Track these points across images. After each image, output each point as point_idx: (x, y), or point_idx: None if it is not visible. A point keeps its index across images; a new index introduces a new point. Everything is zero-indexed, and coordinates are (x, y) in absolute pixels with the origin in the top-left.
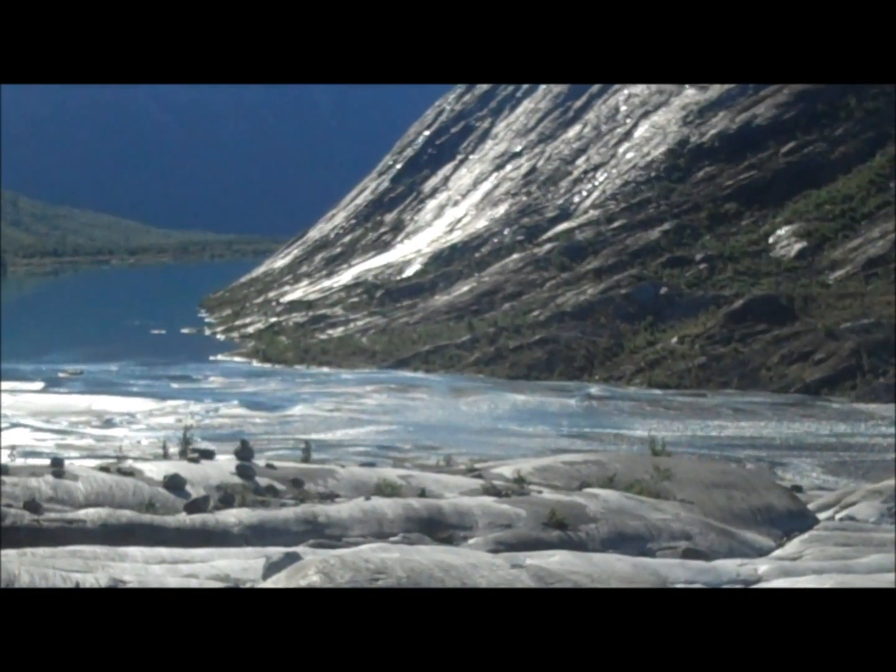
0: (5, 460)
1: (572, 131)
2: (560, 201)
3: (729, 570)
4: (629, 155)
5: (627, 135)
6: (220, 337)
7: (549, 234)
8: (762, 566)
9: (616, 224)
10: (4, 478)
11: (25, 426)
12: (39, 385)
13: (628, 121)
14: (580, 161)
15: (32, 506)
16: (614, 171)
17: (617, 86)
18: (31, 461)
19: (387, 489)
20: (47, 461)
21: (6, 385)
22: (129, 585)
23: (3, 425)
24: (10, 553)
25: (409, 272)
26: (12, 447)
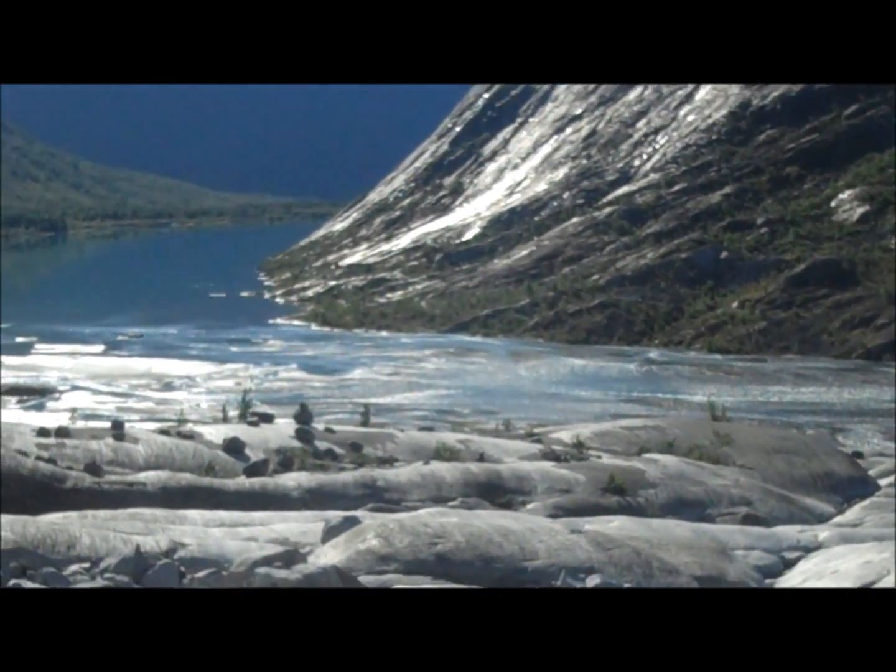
0: (66, 423)
1: (633, 94)
2: (620, 164)
3: (789, 536)
4: (690, 118)
5: (689, 97)
6: (280, 300)
7: (609, 197)
8: (822, 532)
9: (677, 188)
10: (66, 440)
11: (86, 389)
12: (100, 348)
13: (690, 83)
14: (641, 124)
15: (93, 468)
16: (675, 133)
17: None
18: (92, 424)
19: (446, 453)
20: (108, 424)
21: (67, 348)
22: (189, 548)
23: (64, 388)
24: (71, 515)
25: (468, 236)
26: (73, 410)
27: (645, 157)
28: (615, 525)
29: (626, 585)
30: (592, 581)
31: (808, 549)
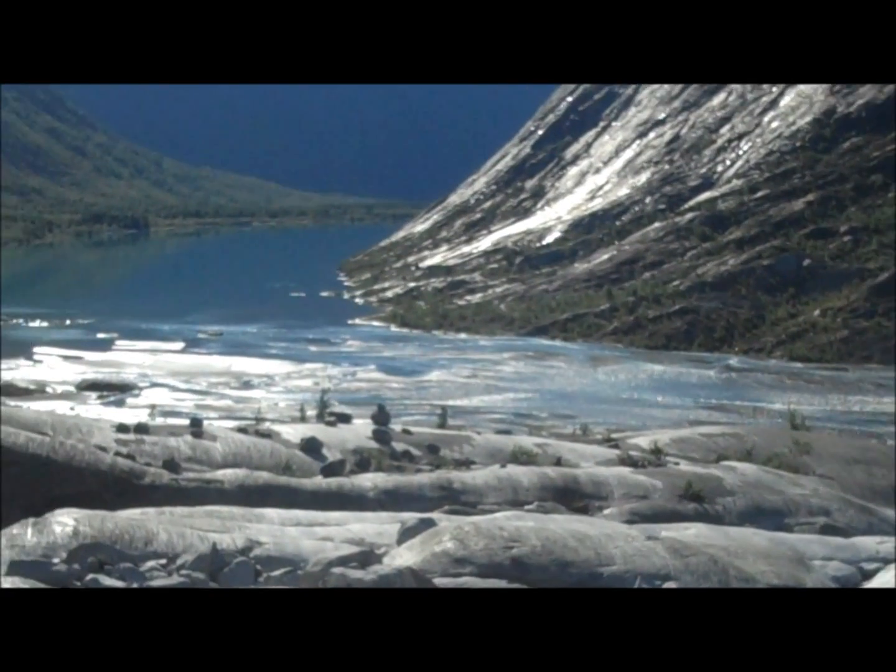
0: (145, 419)
1: (717, 99)
2: (703, 170)
3: (868, 547)
4: (774, 124)
5: (773, 104)
6: (359, 301)
7: (691, 203)
8: None
9: (759, 194)
10: (144, 437)
11: (165, 386)
12: (180, 345)
13: (774, 89)
14: (724, 130)
15: (171, 465)
16: (759, 140)
17: None
18: (171, 421)
19: (522, 457)
20: (186, 421)
21: (147, 345)
22: (265, 547)
23: (144, 385)
24: (148, 511)
25: (548, 239)
26: (152, 407)
27: (728, 162)
28: (692, 532)
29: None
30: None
31: (887, 560)
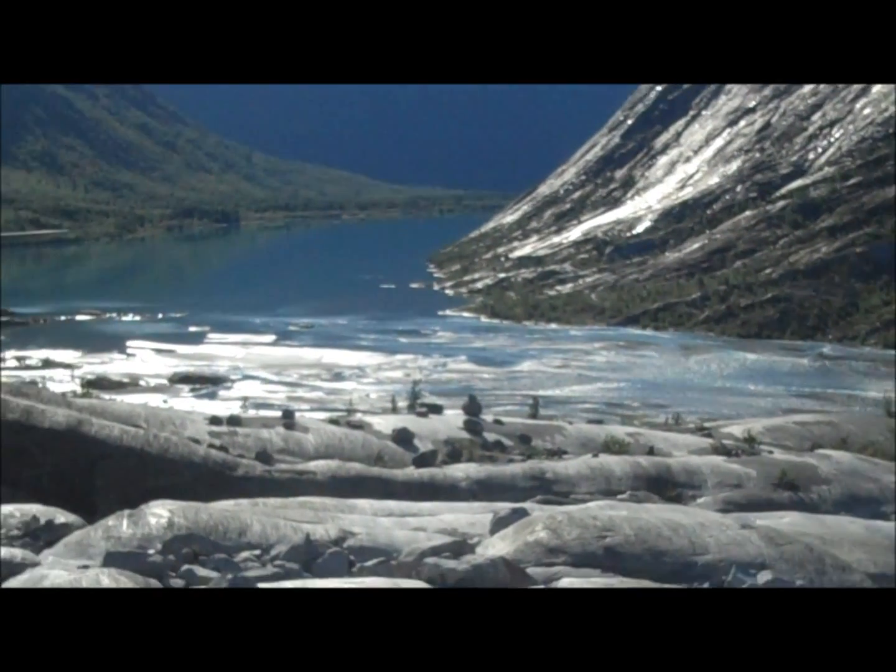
0: (238, 412)
1: (808, 86)
2: (794, 158)
3: None
4: (866, 111)
5: (865, 90)
6: (449, 292)
7: (783, 190)
8: None
9: (852, 181)
10: (237, 429)
11: (257, 378)
12: (271, 338)
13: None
14: (815, 117)
15: (264, 457)
16: (851, 126)
17: None
18: (263, 413)
19: (615, 446)
20: (278, 413)
21: (239, 338)
22: (358, 537)
23: (236, 377)
24: (242, 503)
25: (639, 228)
26: (244, 399)
27: (819, 150)
28: (787, 521)
29: (799, 583)
30: (763, 577)
31: None
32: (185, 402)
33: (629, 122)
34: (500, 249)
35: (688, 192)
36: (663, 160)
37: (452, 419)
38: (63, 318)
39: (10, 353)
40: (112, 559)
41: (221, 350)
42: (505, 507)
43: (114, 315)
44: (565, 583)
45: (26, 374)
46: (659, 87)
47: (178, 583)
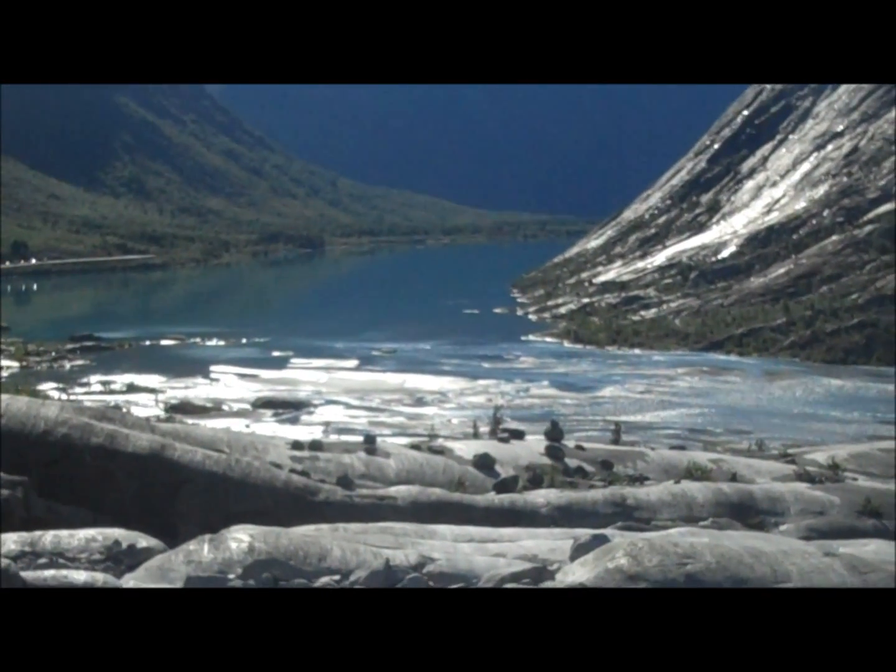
0: (320, 436)
1: None
2: (882, 182)
3: None
4: None
5: None
6: (532, 317)
7: (870, 215)
8: None
9: None
10: (319, 454)
11: (339, 403)
12: (354, 363)
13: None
14: None
15: (345, 482)
16: None
17: None
18: (345, 438)
19: (697, 472)
20: (360, 438)
21: (322, 362)
22: (438, 563)
23: (318, 402)
24: (323, 528)
25: (724, 253)
26: (327, 424)
27: None
28: (871, 549)
29: None
30: None
31: None
32: (268, 426)
33: (715, 146)
34: (584, 274)
35: (774, 217)
36: (749, 185)
37: (534, 445)
38: (148, 342)
39: (95, 378)
40: (193, 584)
41: (304, 375)
42: (585, 533)
43: (198, 340)
44: (567, 582)
45: (111, 399)
46: (746, 112)
47: None
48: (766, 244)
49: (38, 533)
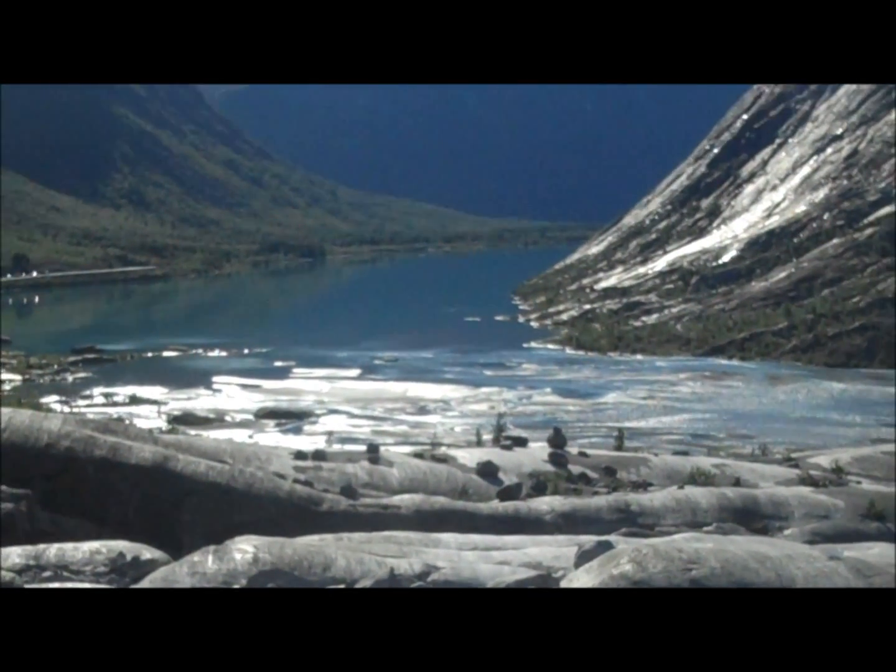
0: (323, 446)
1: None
2: (882, 185)
3: None
4: None
5: None
6: (534, 324)
7: (871, 218)
8: None
9: None
10: (322, 463)
11: (342, 413)
12: (356, 372)
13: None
14: None
15: (349, 491)
16: None
17: None
18: (348, 447)
19: (700, 478)
20: (363, 447)
21: (324, 372)
22: (442, 571)
23: (321, 412)
24: (326, 537)
25: (725, 258)
26: (330, 433)
27: None
28: (875, 552)
29: None
30: None
31: None
32: (271, 437)
33: (715, 150)
34: (585, 281)
35: (774, 221)
36: (749, 189)
37: (537, 452)
38: (150, 354)
39: (97, 390)
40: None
41: (307, 385)
42: (590, 539)
43: (200, 351)
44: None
45: (114, 411)
46: (745, 116)
47: None
48: (766, 248)
49: (41, 546)
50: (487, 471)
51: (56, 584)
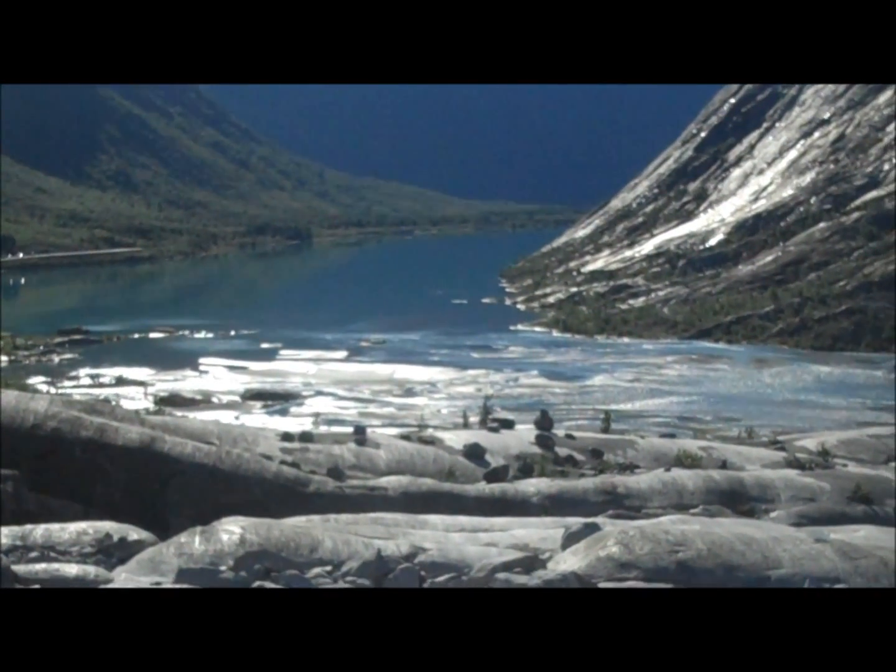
0: (310, 428)
1: (883, 97)
2: (869, 169)
3: None
4: None
5: None
6: (521, 307)
7: (857, 202)
8: None
9: None
10: (309, 445)
11: (329, 394)
12: (343, 354)
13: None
14: (890, 128)
15: (335, 473)
16: None
17: None
18: (335, 429)
19: (687, 460)
20: (350, 429)
21: (311, 354)
22: (429, 553)
23: (308, 393)
24: (314, 519)
25: (712, 241)
26: (316, 415)
27: (894, 161)
28: (861, 534)
29: None
30: None
31: None
32: (257, 418)
33: (702, 134)
34: (572, 264)
35: (761, 205)
36: (736, 173)
37: (524, 434)
38: (136, 335)
39: (84, 371)
40: (184, 576)
41: (293, 366)
42: (576, 521)
43: (186, 332)
44: (559, 570)
45: (100, 392)
46: (732, 100)
47: None
48: (753, 232)
49: (29, 527)
50: (474, 453)
51: (43, 565)
